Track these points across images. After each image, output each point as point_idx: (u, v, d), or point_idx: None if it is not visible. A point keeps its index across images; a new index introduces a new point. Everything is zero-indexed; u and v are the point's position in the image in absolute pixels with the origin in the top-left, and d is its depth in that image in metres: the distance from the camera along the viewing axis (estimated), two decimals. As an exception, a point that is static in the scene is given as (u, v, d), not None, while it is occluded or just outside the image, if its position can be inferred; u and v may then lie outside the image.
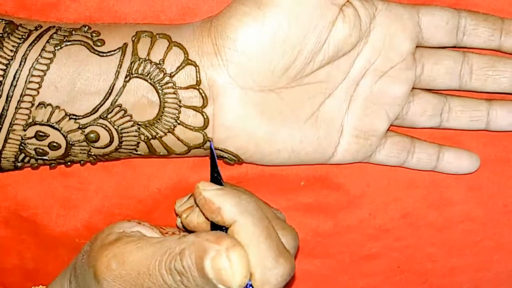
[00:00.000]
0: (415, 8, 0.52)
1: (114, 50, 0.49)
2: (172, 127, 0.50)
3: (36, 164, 0.51)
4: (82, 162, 0.52)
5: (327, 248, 0.58)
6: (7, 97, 0.48)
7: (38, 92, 0.48)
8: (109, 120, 0.49)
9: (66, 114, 0.48)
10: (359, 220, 0.58)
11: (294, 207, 0.57)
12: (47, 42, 0.48)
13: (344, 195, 0.57)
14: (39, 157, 0.50)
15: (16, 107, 0.48)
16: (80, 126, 0.49)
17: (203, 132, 0.50)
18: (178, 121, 0.50)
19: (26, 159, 0.50)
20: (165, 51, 0.49)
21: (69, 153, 0.50)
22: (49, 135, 0.49)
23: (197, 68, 0.49)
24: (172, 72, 0.49)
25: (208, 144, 0.51)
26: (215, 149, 0.51)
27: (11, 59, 0.47)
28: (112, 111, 0.49)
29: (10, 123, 0.48)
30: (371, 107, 0.53)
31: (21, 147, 0.49)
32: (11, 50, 0.48)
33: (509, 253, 0.59)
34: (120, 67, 0.48)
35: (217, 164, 0.49)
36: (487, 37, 0.53)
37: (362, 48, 0.51)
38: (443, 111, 0.54)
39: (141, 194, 0.56)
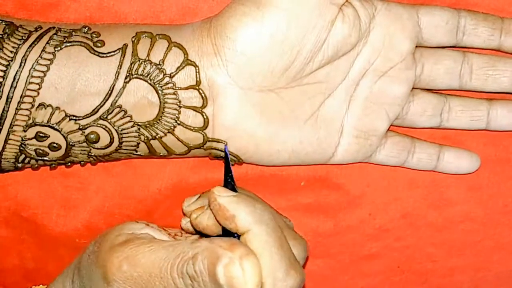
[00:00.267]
0: (415, 8, 0.52)
1: (114, 51, 0.49)
2: (172, 127, 0.50)
3: (36, 165, 0.51)
4: (82, 162, 0.52)
5: (327, 248, 0.58)
6: (7, 98, 0.48)
7: (38, 93, 0.48)
8: (109, 121, 0.49)
9: (66, 115, 0.48)
10: (359, 220, 0.58)
11: (294, 207, 0.57)
12: (47, 43, 0.48)
13: (344, 195, 0.57)
14: (39, 158, 0.50)
15: (16, 108, 0.48)
16: (80, 127, 0.49)
17: (203, 133, 0.50)
18: (178, 122, 0.50)
19: (27, 160, 0.50)
20: (165, 52, 0.49)
21: (69, 154, 0.50)
22: (49, 136, 0.49)
23: (197, 68, 0.49)
24: (172, 73, 0.49)
25: (208, 144, 0.51)
26: (216, 149, 0.51)
27: (11, 60, 0.47)
28: (112, 112, 0.49)
29: (10, 124, 0.48)
30: (371, 107, 0.53)
31: (21, 148, 0.49)
32: (11, 51, 0.48)
33: (509, 253, 0.59)
34: (120, 68, 0.48)
35: (231, 169, 0.49)
36: (487, 36, 0.53)
37: (362, 48, 0.51)
38: (443, 111, 0.54)
39: (141, 194, 0.56)
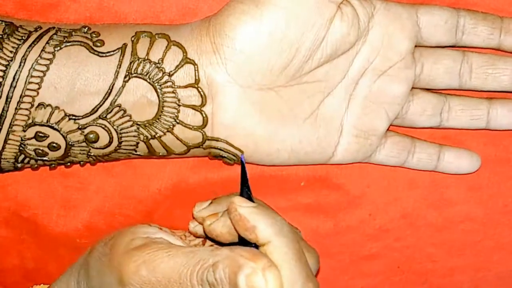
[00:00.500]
0: (414, 7, 0.52)
1: (113, 51, 0.49)
2: (171, 126, 0.50)
3: (36, 165, 0.51)
4: (81, 163, 0.52)
5: (327, 248, 0.58)
6: (7, 98, 0.48)
7: (38, 93, 0.48)
8: (108, 120, 0.49)
9: (65, 115, 0.49)
10: (359, 220, 0.58)
11: (294, 207, 0.57)
12: (47, 43, 0.48)
13: (344, 196, 0.57)
14: (39, 158, 0.50)
15: (16, 108, 0.48)
16: (80, 127, 0.49)
17: (202, 131, 0.50)
18: (177, 120, 0.50)
19: (26, 160, 0.50)
20: (164, 51, 0.49)
21: (69, 154, 0.50)
22: (48, 136, 0.49)
23: (196, 66, 0.49)
24: (171, 71, 0.49)
25: (207, 143, 0.51)
26: (215, 148, 0.51)
27: (11, 60, 0.48)
28: (111, 111, 0.49)
29: (10, 124, 0.48)
30: (371, 106, 0.53)
31: (21, 148, 0.49)
32: (11, 51, 0.48)
33: (509, 253, 0.59)
34: (120, 67, 0.49)
35: (248, 180, 0.49)
36: (487, 35, 0.53)
37: (361, 47, 0.51)
38: (443, 111, 0.54)
39: (141, 195, 0.56)
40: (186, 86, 0.49)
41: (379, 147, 0.54)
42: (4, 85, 0.48)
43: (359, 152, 0.54)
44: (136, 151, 0.51)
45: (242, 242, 0.46)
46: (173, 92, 0.49)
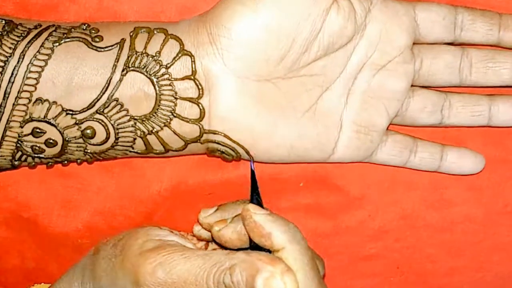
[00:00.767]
0: (412, 4, 0.52)
1: (112, 45, 0.49)
2: (168, 120, 0.50)
3: (33, 163, 0.51)
4: (78, 160, 0.52)
5: (326, 248, 0.58)
6: (5, 94, 0.48)
7: (36, 88, 0.48)
8: (105, 115, 0.49)
9: (63, 110, 0.49)
10: (359, 221, 0.58)
11: (294, 208, 0.57)
12: (46, 39, 0.48)
13: (344, 196, 0.57)
14: (36, 155, 0.50)
15: (13, 104, 0.48)
16: (77, 122, 0.49)
17: (199, 124, 0.50)
18: (174, 114, 0.50)
19: (23, 158, 0.50)
20: (161, 44, 0.49)
21: (66, 151, 0.50)
22: (45, 132, 0.49)
23: (192, 58, 0.49)
24: (168, 64, 0.49)
25: (204, 137, 0.51)
26: (213, 142, 0.51)
27: (10, 56, 0.48)
28: (108, 105, 0.49)
29: (8, 120, 0.48)
30: (370, 101, 0.53)
31: (18, 145, 0.49)
32: (10, 47, 0.48)
33: (509, 254, 0.58)
34: (117, 61, 0.49)
35: (258, 187, 0.50)
36: (486, 31, 0.53)
37: (358, 42, 0.51)
38: (443, 108, 0.54)
39: (142, 195, 0.56)
40: (182, 78, 0.49)
41: (380, 145, 0.54)
42: (2, 81, 0.48)
43: (360, 149, 0.53)
44: (133, 148, 0.51)
45: (254, 248, 0.47)
46: (170, 85, 0.49)
